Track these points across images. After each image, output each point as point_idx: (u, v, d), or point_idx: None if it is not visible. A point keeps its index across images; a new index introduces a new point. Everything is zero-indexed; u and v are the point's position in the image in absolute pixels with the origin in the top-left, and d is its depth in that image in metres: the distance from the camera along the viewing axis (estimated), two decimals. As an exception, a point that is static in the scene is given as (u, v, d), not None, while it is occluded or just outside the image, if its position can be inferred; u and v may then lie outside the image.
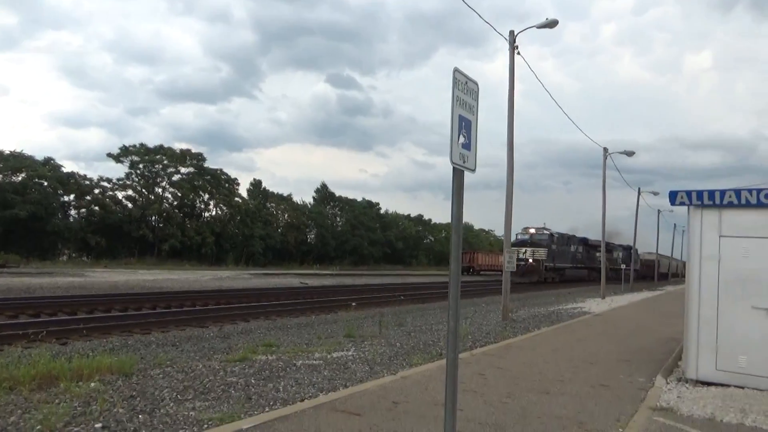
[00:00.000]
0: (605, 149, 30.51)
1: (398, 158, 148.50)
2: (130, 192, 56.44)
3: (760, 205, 7.45)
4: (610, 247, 52.22)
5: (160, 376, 7.25)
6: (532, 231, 43.27)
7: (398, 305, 20.40)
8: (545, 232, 44.38)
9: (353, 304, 17.53)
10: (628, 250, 60.35)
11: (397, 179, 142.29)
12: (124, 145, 56.68)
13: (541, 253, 42.34)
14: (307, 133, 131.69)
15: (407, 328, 13.15)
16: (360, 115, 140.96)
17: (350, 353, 9.41)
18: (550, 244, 43.88)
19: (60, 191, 50.20)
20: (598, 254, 53.86)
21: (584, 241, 52.34)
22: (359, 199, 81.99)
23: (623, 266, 44.78)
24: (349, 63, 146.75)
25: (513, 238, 33.18)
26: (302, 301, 20.47)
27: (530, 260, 41.52)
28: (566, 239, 48.14)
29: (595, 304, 23.23)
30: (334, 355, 9.20)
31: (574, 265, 49.92)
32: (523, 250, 41.07)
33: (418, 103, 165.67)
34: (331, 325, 13.86)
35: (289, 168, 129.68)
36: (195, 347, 9.99)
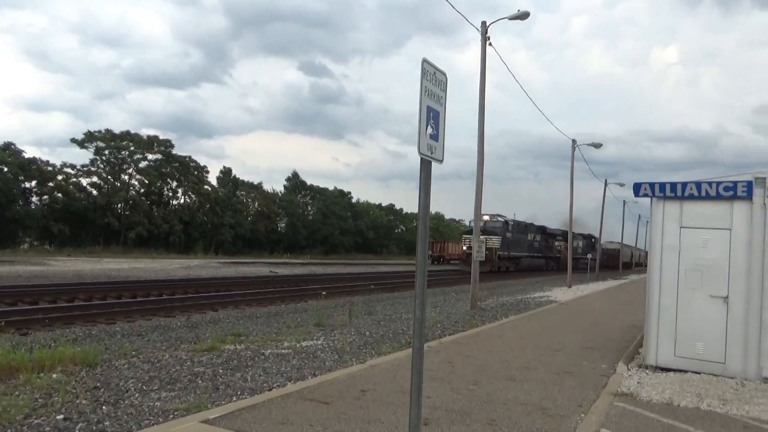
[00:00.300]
0: (574, 141, 31.01)
1: (370, 147, 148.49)
2: (95, 179, 55.11)
3: (719, 197, 7.69)
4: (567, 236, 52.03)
5: (125, 366, 7.14)
6: (486, 218, 40.12)
7: (369, 294, 20.46)
8: (499, 219, 42.54)
9: (323, 293, 17.52)
10: (589, 239, 60.27)
11: (369, 168, 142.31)
12: (89, 131, 55.26)
13: (495, 241, 40.08)
14: (278, 121, 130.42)
15: (377, 317, 13.21)
16: (332, 104, 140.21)
17: (319, 342, 9.41)
18: (504, 232, 42.14)
19: (21, 177, 48.67)
20: (557, 243, 53.43)
21: (542, 230, 50.96)
22: (331, 188, 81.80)
23: (587, 256, 45.08)
24: (321, 50, 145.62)
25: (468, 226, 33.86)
26: (272, 290, 20.35)
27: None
28: (522, 227, 46.43)
29: (562, 293, 23.70)
30: (304, 344, 9.19)
31: (530, 254, 48.15)
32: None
33: (391, 92, 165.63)
34: (301, 314, 13.84)
35: (260, 156, 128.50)
36: (162, 337, 9.86)
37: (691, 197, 7.85)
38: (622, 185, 45.00)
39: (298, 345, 9.07)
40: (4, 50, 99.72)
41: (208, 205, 61.15)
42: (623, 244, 69.13)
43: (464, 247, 38.86)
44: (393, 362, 7.83)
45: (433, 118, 3.42)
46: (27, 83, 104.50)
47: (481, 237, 38.58)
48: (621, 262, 63.19)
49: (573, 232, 55.38)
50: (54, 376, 6.37)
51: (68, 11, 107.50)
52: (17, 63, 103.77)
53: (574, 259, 49.49)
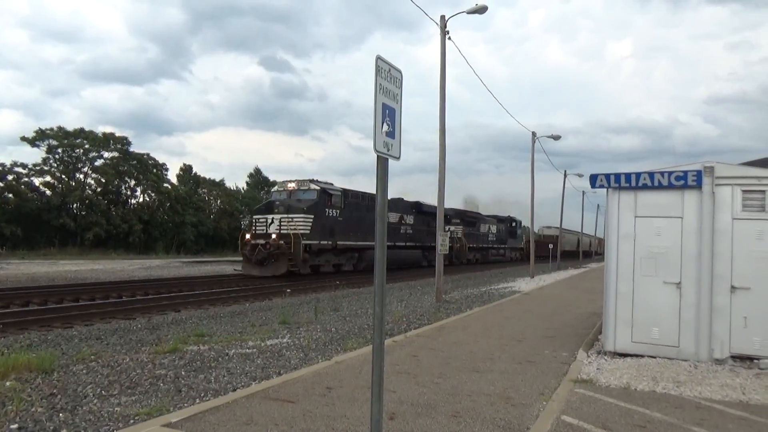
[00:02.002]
0: (534, 133, 31.51)
1: (334, 142, 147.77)
2: (48, 178, 53.31)
3: (671, 187, 7.95)
4: (471, 219, 44.07)
5: (84, 371, 6.95)
6: (291, 186, 26.07)
7: (334, 290, 20.41)
8: (312, 187, 25.90)
9: (288, 290, 17.39)
10: (508, 223, 52.49)
11: (333, 163, 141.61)
12: (41, 129, 53.30)
13: (299, 223, 24.16)
14: (240, 117, 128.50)
15: (343, 313, 13.20)
16: (295, 99, 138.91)
17: (285, 340, 9.35)
18: (321, 207, 25.53)
19: (-32, 178, 46.72)
20: (450, 228, 39.10)
21: (417, 208, 35.58)
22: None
23: (502, 245, 43.04)
24: (282, 45, 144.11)
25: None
26: (236, 288, 20.10)
27: (273, 236, 23.82)
28: (365, 201, 28.63)
29: (525, 284, 24.15)
30: (268, 342, 9.12)
31: (391, 242, 31.73)
32: (267, 219, 24.74)
33: (354, 87, 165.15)
34: (266, 312, 13.71)
35: (221, 153, 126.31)
36: (121, 340, 9.63)
37: (645, 187, 8.09)
38: (580, 176, 45.93)
39: (262, 344, 8.99)
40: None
41: (168, 204, 59.90)
42: (564, 229, 61.68)
43: (247, 236, 24.86)
44: (359, 358, 7.84)
45: (389, 115, 3.43)
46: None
47: (276, 217, 24.28)
48: (560, 250, 55.70)
49: (479, 214, 48.12)
50: (8, 383, 6.15)
51: (17, 5, 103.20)
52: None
53: (482, 249, 45.71)
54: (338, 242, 26.83)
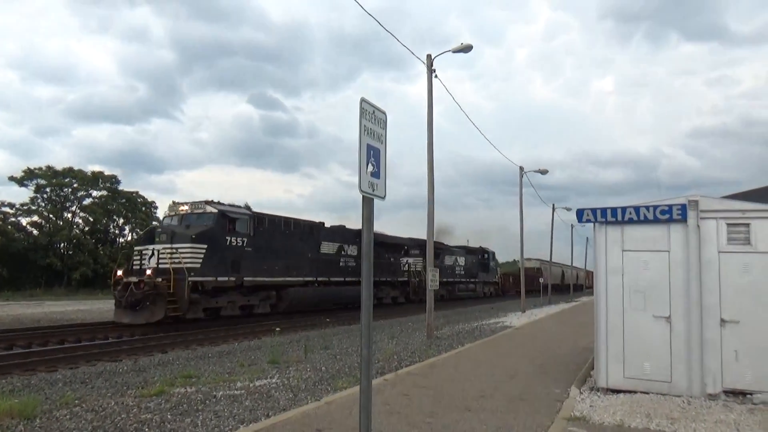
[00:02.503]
0: (521, 168, 31.87)
1: (324, 179, 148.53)
2: (35, 218, 52.81)
3: (656, 221, 8.03)
4: (438, 251, 34.88)
5: (67, 417, 6.77)
6: (184, 209, 21.27)
7: (324, 328, 20.17)
8: (209, 210, 20.85)
9: (277, 329, 17.15)
10: (479, 255, 46.79)
11: (323, 199, 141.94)
12: (29, 168, 53.09)
13: (185, 254, 19.06)
14: (230, 155, 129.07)
15: (333, 351, 13.03)
16: (285, 136, 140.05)
17: (274, 380, 9.19)
18: (219, 235, 20.40)
19: (-46, 218, 46.22)
20: (408, 260, 35.07)
21: (357, 238, 28.35)
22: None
23: (472, 279, 39.13)
24: (272, 84, 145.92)
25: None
26: (224, 326, 19.80)
27: (149, 272, 19.00)
28: (283, 228, 23.88)
29: (516, 318, 24.03)
30: (257, 383, 8.96)
31: (326, 277, 26.33)
32: (147, 251, 19.69)
33: (344, 123, 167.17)
34: (255, 351, 13.50)
35: (211, 190, 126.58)
36: (107, 383, 9.41)
37: (631, 221, 8.17)
38: (568, 209, 46.21)
39: (251, 384, 8.83)
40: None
41: (157, 242, 59.35)
42: (545, 261, 54.90)
43: (119, 272, 20.08)
44: (349, 398, 7.70)
45: (374, 156, 3.48)
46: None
47: (158, 248, 19.13)
48: (546, 284, 48.30)
49: (444, 245, 40.61)
50: (-13, 432, 5.98)
51: (9, 46, 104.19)
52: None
53: (449, 284, 39.01)
54: (245, 278, 21.15)
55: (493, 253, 48.29)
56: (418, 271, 35.19)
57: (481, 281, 46.64)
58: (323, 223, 27.53)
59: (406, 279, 35.14)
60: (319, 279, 25.97)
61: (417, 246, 35.49)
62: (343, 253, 28.15)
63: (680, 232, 7.91)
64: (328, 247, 27.06)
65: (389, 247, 33.03)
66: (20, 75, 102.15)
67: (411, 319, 23.92)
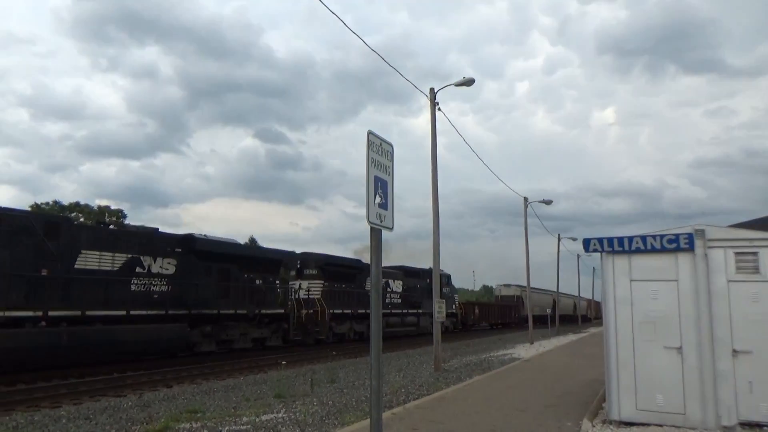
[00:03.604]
0: (525, 198, 31.91)
1: (329, 211, 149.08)
2: (42, 252, 52.82)
3: (664, 250, 7.99)
4: (340, 270, 28.63)
5: (70, 454, 6.68)
6: None
7: (330, 361, 19.97)
8: None
9: (283, 362, 17.00)
10: (426, 278, 34.19)
11: (328, 231, 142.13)
12: (36, 203, 53.42)
13: None
14: (236, 188, 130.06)
15: (340, 385, 12.87)
16: (290, 170, 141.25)
17: (280, 415, 9.07)
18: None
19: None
20: (298, 284, 26.62)
21: (248, 258, 22.87)
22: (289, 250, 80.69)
23: (415, 311, 32.00)
24: (277, 119, 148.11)
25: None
26: (229, 361, 19.62)
27: None
28: (112, 236, 17.83)
29: (524, 350, 23.73)
30: (263, 418, 8.83)
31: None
32: None
33: (348, 156, 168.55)
34: (261, 385, 13.35)
35: (217, 223, 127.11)
36: (111, 419, 9.31)
37: (638, 251, 8.13)
38: (574, 239, 46.02)
39: (257, 419, 8.70)
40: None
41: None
42: (533, 288, 44.32)
43: None
44: (356, 432, 7.58)
45: (381, 187, 3.51)
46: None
47: None
48: (527, 315, 38.82)
49: (365, 263, 29.60)
50: (-10, 470, 5.90)
51: (20, 85, 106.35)
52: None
53: (366, 316, 26.40)
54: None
55: (449, 277, 38.38)
56: (317, 298, 26.24)
57: (429, 312, 30.59)
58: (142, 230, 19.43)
59: (282, 311, 24.11)
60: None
61: (312, 264, 27.37)
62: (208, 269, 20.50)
63: (688, 261, 7.86)
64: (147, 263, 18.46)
65: (260, 264, 23.17)
66: (31, 113, 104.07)
67: (418, 351, 23.65)
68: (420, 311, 34.59)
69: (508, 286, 50.43)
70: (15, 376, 14.98)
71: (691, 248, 7.81)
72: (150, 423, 8.57)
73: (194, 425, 8.31)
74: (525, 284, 44.94)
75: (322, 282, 27.18)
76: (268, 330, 23.42)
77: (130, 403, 11.11)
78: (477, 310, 43.54)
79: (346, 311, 28.14)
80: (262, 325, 23.08)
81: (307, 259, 28.16)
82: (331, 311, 26.69)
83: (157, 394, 12.63)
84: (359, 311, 28.91)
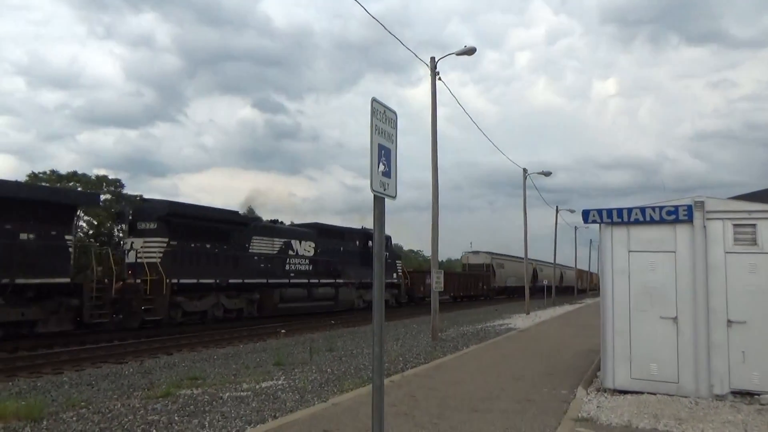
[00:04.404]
0: (525, 170, 31.88)
1: (328, 182, 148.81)
2: (39, 221, 52.77)
3: (662, 221, 8.01)
4: (213, 225, 21.28)
5: (74, 419, 6.79)
6: None
7: (329, 330, 20.19)
8: None
9: (282, 330, 17.19)
10: (354, 240, 29.52)
11: (326, 202, 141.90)
12: (33, 172, 52.91)
13: None
14: (234, 158, 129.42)
15: (338, 353, 13.03)
16: (288, 140, 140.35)
17: (280, 382, 9.20)
18: None
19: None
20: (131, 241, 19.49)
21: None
22: (287, 222, 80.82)
23: (332, 280, 25.98)
24: (276, 88, 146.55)
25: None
26: (229, 329, 19.83)
27: None
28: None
29: (521, 320, 24.00)
30: (263, 384, 8.96)
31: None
32: None
33: (346, 128, 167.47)
34: (260, 353, 13.52)
35: (215, 193, 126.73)
36: (113, 385, 9.44)
37: (637, 222, 8.16)
38: (572, 212, 46.11)
39: (257, 386, 8.83)
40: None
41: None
42: (503, 256, 42.80)
43: None
44: (356, 399, 7.71)
45: (384, 155, 3.49)
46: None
47: None
48: (502, 287, 37.09)
49: (251, 219, 24.46)
50: (-5, 433, 6.00)
51: (16, 53, 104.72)
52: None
53: (262, 287, 22.80)
54: None
55: (390, 238, 32.37)
56: (141, 264, 18.78)
57: (362, 283, 28.73)
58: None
59: (67, 281, 16.52)
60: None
61: (168, 213, 19.64)
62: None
63: (686, 232, 7.89)
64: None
65: (27, 209, 15.70)
66: (27, 81, 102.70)
67: (415, 321, 23.91)
68: (340, 281, 27.52)
69: (476, 253, 43.28)
70: (16, 342, 15.13)
71: (690, 220, 7.83)
72: (151, 389, 8.70)
73: (195, 391, 8.43)
74: (496, 252, 41.49)
75: (166, 240, 19.36)
76: (40, 309, 15.84)
77: (131, 370, 11.25)
78: (427, 281, 33.10)
79: (205, 281, 20.60)
80: (25, 302, 15.50)
81: (142, 208, 20.53)
82: (177, 281, 19.20)
83: (157, 361, 12.79)
84: (232, 280, 21.69)
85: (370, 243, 26.84)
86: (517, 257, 48.54)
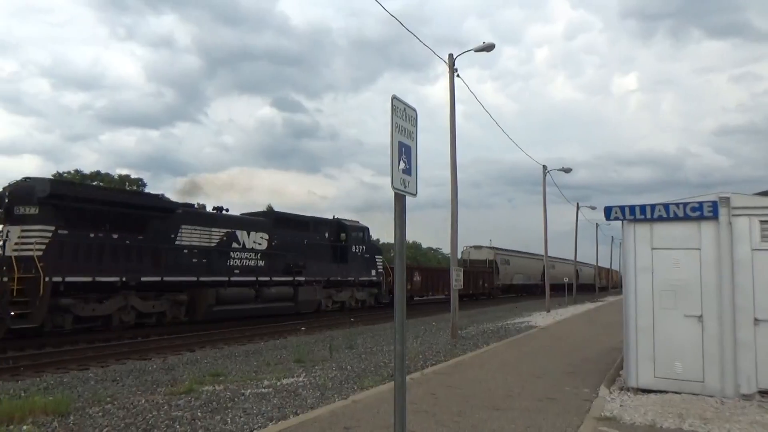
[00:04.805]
0: (544, 167, 31.59)
1: (346, 180, 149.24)
2: (64, 220, 53.67)
3: (686, 218, 7.88)
4: (152, 212, 18.05)
5: (100, 414, 6.91)
6: None
7: (348, 327, 20.24)
8: None
9: (302, 328, 17.28)
10: (324, 232, 25.54)
11: (345, 200, 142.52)
12: (58, 172, 54.17)
13: None
14: (254, 157, 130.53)
15: (358, 351, 13.07)
16: (307, 138, 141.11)
17: (300, 379, 9.26)
18: None
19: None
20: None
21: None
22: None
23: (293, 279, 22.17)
24: (294, 87, 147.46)
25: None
26: (250, 326, 20.00)
27: None
28: None
29: (541, 318, 23.80)
30: (284, 381, 9.03)
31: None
32: None
33: (364, 125, 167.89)
34: (281, 350, 13.62)
35: (234, 192, 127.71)
36: (137, 381, 9.59)
37: (661, 219, 8.03)
38: (593, 208, 45.53)
39: (278, 383, 8.90)
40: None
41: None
42: (505, 251, 39.87)
43: None
44: (376, 396, 7.73)
45: (405, 153, 3.49)
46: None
47: None
48: (501, 285, 34.65)
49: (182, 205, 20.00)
50: (24, 428, 6.14)
51: (39, 55, 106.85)
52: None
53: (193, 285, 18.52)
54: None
55: (367, 229, 27.59)
56: (19, 257, 14.55)
57: (336, 280, 25.33)
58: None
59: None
60: None
61: (33, 197, 15.32)
62: None
63: (712, 229, 7.75)
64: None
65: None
66: (51, 83, 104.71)
67: (435, 318, 23.86)
68: (301, 279, 23.10)
69: (478, 248, 39.59)
70: (44, 339, 15.45)
71: (715, 216, 7.69)
72: (175, 385, 8.82)
73: (217, 388, 8.52)
74: (501, 246, 40.85)
75: (51, 229, 15.36)
76: None
77: (154, 366, 11.42)
78: (418, 277, 31.94)
79: (106, 279, 16.43)
80: None
81: (18, 190, 15.73)
82: (63, 279, 15.26)
83: (180, 357, 12.96)
84: (146, 278, 17.43)
85: (343, 235, 25.87)
86: (526, 253, 46.30)
